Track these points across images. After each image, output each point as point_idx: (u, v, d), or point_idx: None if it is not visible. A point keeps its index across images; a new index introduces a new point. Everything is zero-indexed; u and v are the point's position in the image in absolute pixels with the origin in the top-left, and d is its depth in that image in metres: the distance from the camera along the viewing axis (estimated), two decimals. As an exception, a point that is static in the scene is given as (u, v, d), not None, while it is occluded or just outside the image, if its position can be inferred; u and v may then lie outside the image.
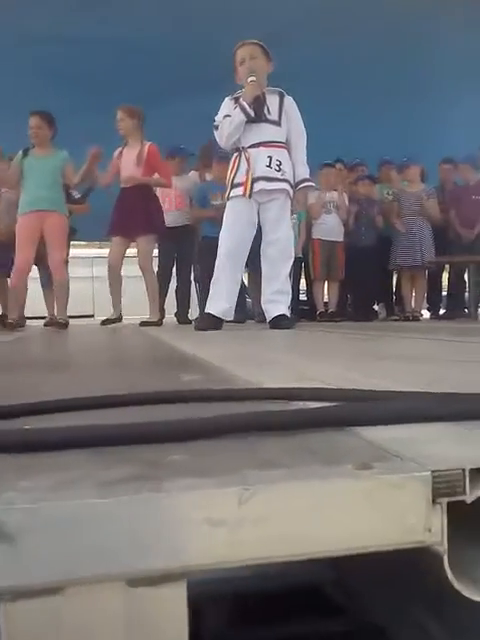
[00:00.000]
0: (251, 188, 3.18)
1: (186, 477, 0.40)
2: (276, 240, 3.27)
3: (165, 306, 5.30)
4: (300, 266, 5.81)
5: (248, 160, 3.20)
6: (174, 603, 0.39)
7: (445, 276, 6.45)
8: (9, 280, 4.81)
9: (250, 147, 3.23)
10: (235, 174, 3.29)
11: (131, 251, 4.77)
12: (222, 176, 4.20)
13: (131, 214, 4.31)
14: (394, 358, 1.48)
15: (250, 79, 3.20)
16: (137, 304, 5.40)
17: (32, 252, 4.19)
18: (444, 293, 6.72)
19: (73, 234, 5.27)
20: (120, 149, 4.47)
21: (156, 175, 4.45)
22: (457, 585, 0.43)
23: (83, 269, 5.81)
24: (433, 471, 0.41)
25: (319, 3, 6.62)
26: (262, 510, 0.38)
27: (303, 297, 6.39)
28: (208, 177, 5.43)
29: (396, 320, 5.69)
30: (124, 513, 0.37)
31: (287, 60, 6.45)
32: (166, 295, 5.32)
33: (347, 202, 5.50)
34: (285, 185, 3.27)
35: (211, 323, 3.23)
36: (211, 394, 0.72)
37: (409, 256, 5.42)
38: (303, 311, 5.92)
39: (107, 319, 4.56)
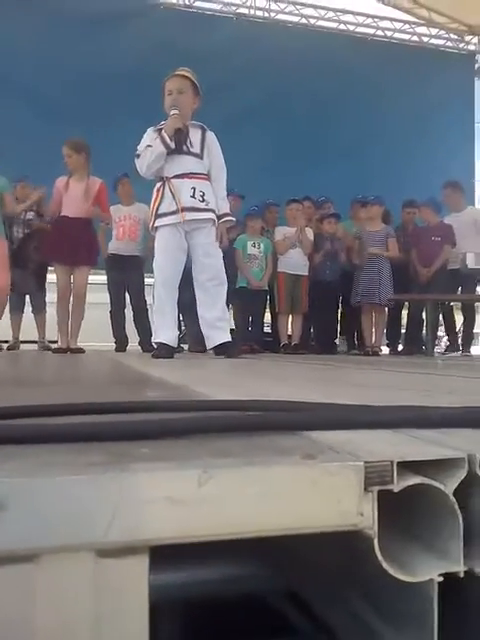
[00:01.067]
0: (183, 215, 3.25)
1: (151, 462, 0.45)
2: (209, 265, 3.34)
3: (126, 333, 5.32)
4: (266, 298, 5.92)
5: (172, 191, 3.26)
6: (137, 574, 0.44)
7: (405, 313, 6.65)
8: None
9: (173, 177, 3.31)
10: (160, 204, 3.35)
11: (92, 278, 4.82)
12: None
13: (69, 243, 4.35)
14: (344, 384, 1.56)
15: (172, 112, 3.27)
16: (93, 332, 5.43)
17: None
18: (403, 330, 6.91)
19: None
20: (65, 180, 4.50)
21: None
22: (385, 565, 0.49)
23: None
24: (365, 462, 0.47)
25: (301, 46, 6.95)
26: (219, 492, 0.43)
27: (267, 329, 6.50)
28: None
29: (356, 354, 5.81)
30: (94, 489, 0.42)
31: (257, 98, 6.78)
32: (123, 322, 5.33)
33: (311, 238, 5.66)
34: (210, 214, 3.36)
35: (167, 351, 3.28)
36: (171, 405, 0.77)
37: (369, 293, 5.59)
38: (267, 343, 6.00)
39: (49, 347, 4.61)
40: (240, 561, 0.82)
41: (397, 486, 0.48)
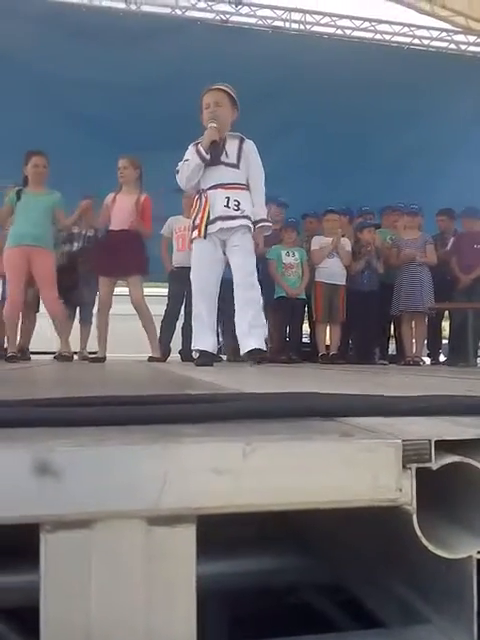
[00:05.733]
0: (205, 230, 3.28)
1: (198, 436, 0.48)
2: (242, 267, 3.33)
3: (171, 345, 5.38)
4: (303, 308, 5.92)
5: (205, 202, 3.30)
6: (185, 542, 0.47)
7: (445, 324, 6.55)
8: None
9: (209, 189, 3.36)
10: (196, 215, 3.39)
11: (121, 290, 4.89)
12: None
13: (117, 255, 4.44)
14: (381, 385, 1.56)
15: (210, 125, 3.31)
16: (122, 343, 5.52)
17: (23, 286, 4.30)
18: (445, 341, 6.80)
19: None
20: (113, 195, 4.60)
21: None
22: (424, 541, 0.50)
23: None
24: (404, 440, 0.49)
25: (332, 58, 6.99)
26: (262, 463, 0.46)
27: (306, 340, 6.49)
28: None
29: (395, 364, 5.75)
30: (145, 457, 0.45)
31: (294, 111, 6.83)
32: (173, 335, 5.39)
33: (349, 248, 5.65)
34: (245, 221, 3.35)
35: (208, 359, 3.29)
36: (211, 397, 0.80)
37: (411, 302, 5.53)
38: (305, 353, 6.00)
39: (88, 357, 4.71)
40: (282, 552, 0.84)
41: (435, 464, 0.49)
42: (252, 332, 3.33)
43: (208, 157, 3.31)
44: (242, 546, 0.82)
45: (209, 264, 3.38)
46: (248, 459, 0.45)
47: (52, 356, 5.14)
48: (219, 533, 0.65)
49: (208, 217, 3.30)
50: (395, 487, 0.48)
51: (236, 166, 3.38)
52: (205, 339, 3.39)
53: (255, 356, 3.26)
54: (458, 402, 0.61)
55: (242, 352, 3.38)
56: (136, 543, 0.45)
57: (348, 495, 0.47)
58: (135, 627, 0.46)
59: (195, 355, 3.52)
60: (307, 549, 0.79)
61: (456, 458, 0.50)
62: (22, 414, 0.52)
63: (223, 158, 3.37)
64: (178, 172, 3.45)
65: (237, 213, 3.30)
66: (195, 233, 3.37)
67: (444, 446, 0.51)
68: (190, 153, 3.42)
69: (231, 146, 3.40)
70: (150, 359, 4.60)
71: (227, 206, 3.30)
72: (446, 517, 0.55)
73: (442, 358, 6.53)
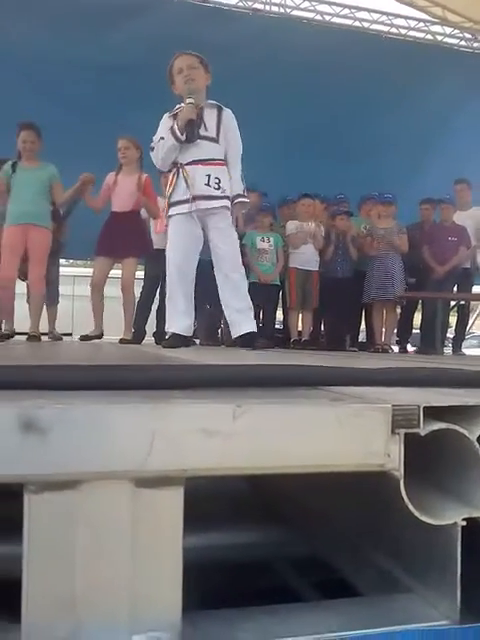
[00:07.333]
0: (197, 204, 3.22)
1: (188, 398, 0.47)
2: (227, 253, 3.27)
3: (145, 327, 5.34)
4: (278, 294, 5.92)
5: (186, 178, 3.23)
6: (173, 505, 0.46)
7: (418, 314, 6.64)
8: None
9: (187, 164, 3.29)
10: (173, 191, 3.32)
11: (113, 272, 4.83)
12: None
13: (119, 236, 4.40)
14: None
15: (188, 100, 3.17)
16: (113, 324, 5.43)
17: (16, 265, 4.24)
18: (416, 331, 6.88)
19: (61, 250, 5.32)
20: (114, 175, 4.54)
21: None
22: (411, 507, 0.50)
23: (64, 287, 5.87)
24: (393, 405, 0.48)
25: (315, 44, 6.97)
26: (253, 425, 0.45)
27: (278, 326, 6.51)
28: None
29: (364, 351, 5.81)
30: (133, 416, 0.43)
31: (272, 94, 6.80)
32: (148, 318, 5.33)
33: (323, 233, 5.66)
34: (225, 202, 3.30)
35: (180, 341, 3.22)
36: (199, 368, 0.79)
37: (382, 289, 5.58)
38: (277, 338, 6.01)
39: (86, 335, 4.60)
40: (263, 526, 0.84)
41: (423, 430, 0.49)
42: (243, 315, 3.28)
43: (183, 138, 3.22)
44: (215, 519, 0.82)
45: (187, 241, 3.30)
46: (238, 420, 0.45)
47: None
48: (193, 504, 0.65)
49: (191, 192, 3.20)
50: (384, 452, 0.48)
51: (215, 140, 3.27)
52: (179, 321, 3.31)
53: (247, 340, 3.20)
54: (443, 373, 0.61)
55: (235, 333, 3.32)
56: (122, 505, 0.45)
57: (337, 459, 0.47)
58: (121, 593, 0.45)
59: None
60: (281, 521, 0.79)
61: (443, 425, 0.50)
62: (8, 376, 0.50)
63: (202, 131, 3.25)
64: (153, 149, 3.35)
65: (218, 192, 3.22)
66: (178, 208, 3.28)
67: (431, 414, 0.51)
68: (165, 129, 3.30)
69: (209, 117, 3.27)
70: (121, 341, 4.56)
71: (208, 185, 3.21)
72: (431, 485, 0.55)
73: (410, 348, 6.62)
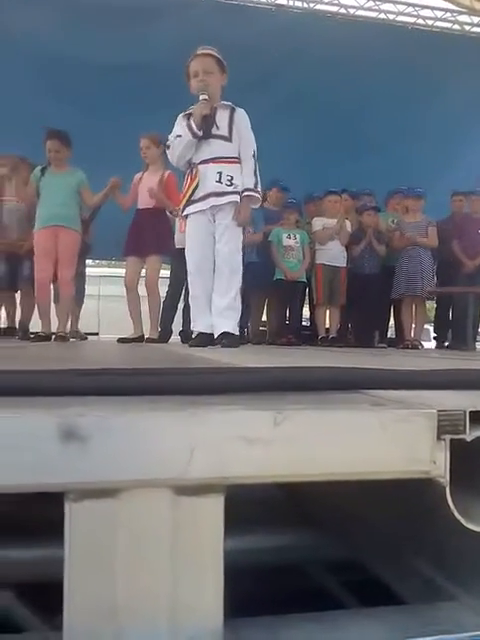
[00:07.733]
0: (188, 203, 3.24)
1: (227, 404, 0.46)
2: (220, 250, 3.29)
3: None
4: (304, 291, 5.89)
5: (196, 177, 3.24)
6: (213, 513, 0.45)
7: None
8: (18, 294, 4.93)
9: (200, 163, 3.30)
10: (187, 190, 3.34)
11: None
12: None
13: (143, 234, 4.44)
14: (389, 364, 1.55)
15: (202, 97, 3.18)
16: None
17: (51, 266, 4.32)
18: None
19: (88, 251, 5.38)
20: (140, 175, 4.60)
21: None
22: (457, 514, 0.48)
23: (90, 288, 5.92)
24: (439, 410, 0.47)
25: (337, 35, 6.90)
26: (293, 432, 0.44)
27: (305, 323, 6.46)
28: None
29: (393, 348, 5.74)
30: (173, 424, 0.43)
31: (297, 90, 6.76)
32: (174, 317, 5.34)
33: (350, 229, 5.60)
34: (233, 197, 3.29)
35: (205, 340, 3.23)
36: (237, 369, 0.78)
37: (411, 285, 5.50)
38: (305, 336, 5.97)
39: (125, 337, 4.67)
40: (298, 530, 0.83)
41: (470, 435, 0.48)
42: (226, 314, 3.28)
43: (200, 133, 3.23)
44: (253, 524, 0.81)
45: (203, 238, 3.33)
46: (279, 427, 0.44)
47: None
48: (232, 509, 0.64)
49: (194, 189, 3.24)
50: (429, 459, 0.47)
51: (228, 139, 3.29)
52: (203, 319, 3.34)
53: (223, 340, 3.18)
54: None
55: (215, 333, 3.31)
56: (163, 513, 0.44)
57: (380, 466, 0.46)
58: (161, 600, 0.45)
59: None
60: (321, 527, 0.78)
61: (490, 430, 0.48)
62: (44, 382, 0.50)
63: (214, 131, 3.28)
64: (169, 148, 3.38)
65: (229, 188, 3.24)
66: (193, 207, 3.32)
67: (477, 418, 0.49)
68: (180, 127, 3.33)
69: (222, 117, 3.30)
70: (147, 340, 4.59)
71: (219, 182, 3.23)
72: (476, 491, 0.53)
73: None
